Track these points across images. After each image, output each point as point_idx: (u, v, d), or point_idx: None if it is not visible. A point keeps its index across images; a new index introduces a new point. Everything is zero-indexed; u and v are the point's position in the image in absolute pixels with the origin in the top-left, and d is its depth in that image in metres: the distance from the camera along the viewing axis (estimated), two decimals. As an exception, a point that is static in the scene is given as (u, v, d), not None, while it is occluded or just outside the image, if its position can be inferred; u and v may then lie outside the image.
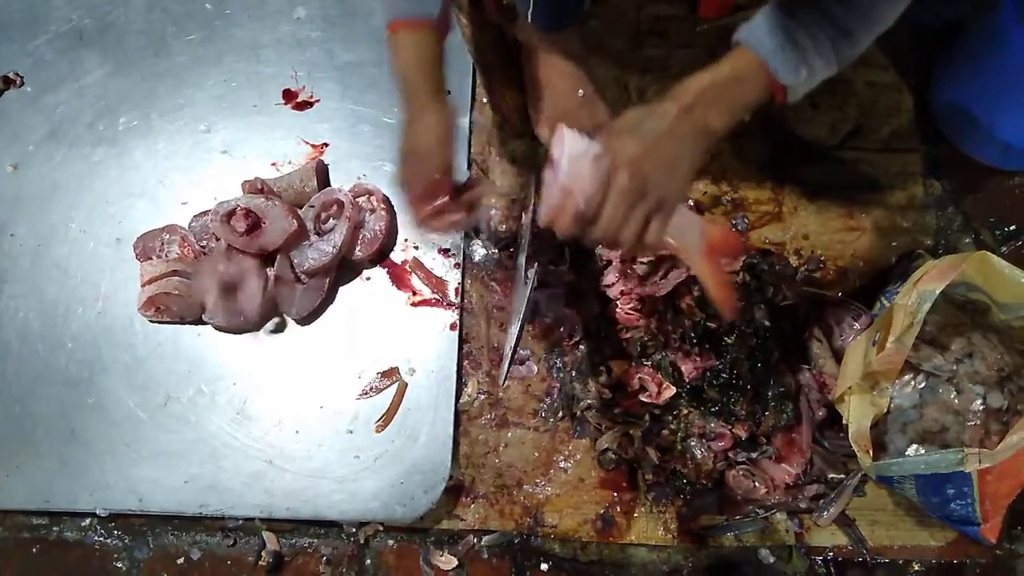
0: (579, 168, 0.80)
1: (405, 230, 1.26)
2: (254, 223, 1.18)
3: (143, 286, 1.20)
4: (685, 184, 0.83)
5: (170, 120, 1.33)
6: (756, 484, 1.11)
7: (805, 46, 0.79)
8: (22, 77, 1.36)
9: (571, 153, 0.81)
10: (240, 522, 1.17)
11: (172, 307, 1.19)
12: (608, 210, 0.80)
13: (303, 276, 1.20)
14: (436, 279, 1.23)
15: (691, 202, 1.24)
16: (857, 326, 1.16)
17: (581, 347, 1.19)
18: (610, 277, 1.19)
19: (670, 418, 1.14)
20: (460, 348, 1.20)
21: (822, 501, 1.13)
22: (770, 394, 1.13)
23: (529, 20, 1.16)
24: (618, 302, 1.17)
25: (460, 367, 1.20)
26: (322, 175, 1.27)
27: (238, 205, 1.18)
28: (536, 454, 1.17)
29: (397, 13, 0.92)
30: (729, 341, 1.14)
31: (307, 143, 1.31)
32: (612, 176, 0.79)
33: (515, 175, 1.28)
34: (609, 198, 0.79)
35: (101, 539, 1.19)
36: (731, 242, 0.94)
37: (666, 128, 0.80)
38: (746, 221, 1.25)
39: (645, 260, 1.19)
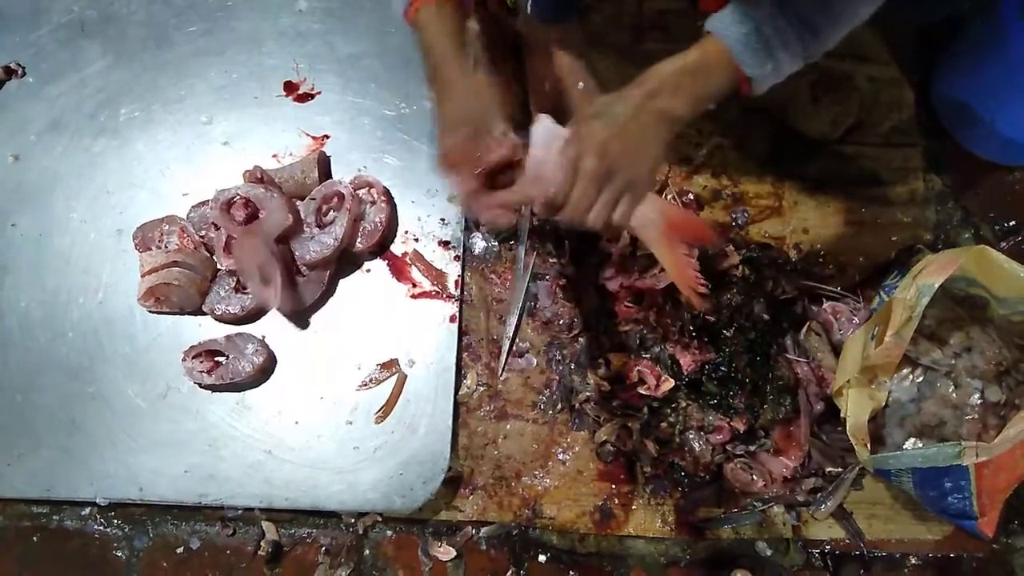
0: (549, 154, 0.84)
1: (405, 222, 1.26)
2: (253, 212, 1.18)
3: (143, 276, 1.20)
4: (651, 168, 0.85)
5: (171, 111, 1.33)
6: (754, 477, 1.12)
7: (771, 39, 0.79)
8: (23, 67, 1.36)
9: (542, 140, 0.85)
10: (239, 512, 1.17)
11: (172, 297, 1.20)
12: (576, 192, 0.83)
13: (304, 268, 1.21)
14: (436, 271, 1.23)
15: (691, 196, 1.25)
16: (856, 320, 1.16)
17: (580, 340, 1.19)
18: (609, 270, 1.19)
19: (668, 411, 1.14)
20: (459, 340, 1.20)
21: (820, 494, 1.13)
22: (768, 387, 1.13)
23: (529, 12, 1.16)
24: (617, 295, 1.18)
25: (459, 359, 1.20)
26: (323, 167, 1.27)
27: (238, 194, 1.19)
28: (535, 446, 1.17)
29: None
30: (728, 334, 1.14)
31: (308, 135, 1.31)
32: (580, 160, 0.82)
33: (515, 168, 1.28)
34: (577, 181, 0.82)
35: (101, 528, 1.19)
36: (691, 224, 0.95)
37: (631, 113, 0.82)
38: (746, 215, 1.25)
39: (644, 253, 1.20)
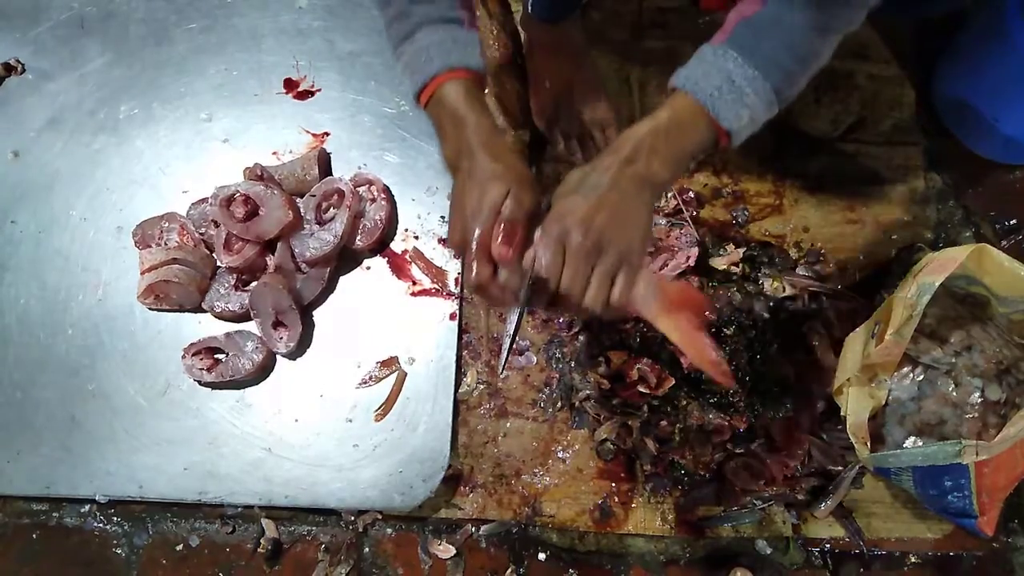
0: (535, 246, 0.79)
1: (405, 220, 1.26)
2: (252, 210, 1.18)
3: (143, 274, 1.20)
4: (642, 237, 0.79)
5: (171, 108, 1.33)
6: (754, 475, 1.12)
7: (743, 88, 0.77)
8: (23, 64, 1.36)
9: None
10: (239, 509, 1.17)
11: (171, 295, 1.19)
12: (568, 273, 0.77)
13: (304, 265, 1.21)
14: (436, 269, 1.23)
15: (691, 194, 1.25)
16: (856, 319, 1.16)
17: (580, 338, 1.19)
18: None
19: (669, 409, 1.14)
20: (459, 338, 1.20)
21: (820, 493, 1.13)
22: (769, 386, 1.13)
23: (529, 11, 1.16)
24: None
25: (459, 357, 1.20)
26: (324, 164, 1.27)
27: (237, 190, 1.19)
28: (535, 444, 1.17)
29: (442, 66, 0.84)
30: (728, 333, 1.14)
31: (308, 132, 1.31)
32: (566, 239, 0.76)
33: (516, 166, 1.28)
34: (567, 261, 0.77)
35: (101, 525, 1.19)
36: (691, 297, 0.88)
37: (609, 182, 0.77)
38: (747, 213, 1.25)
39: (645, 251, 1.19)
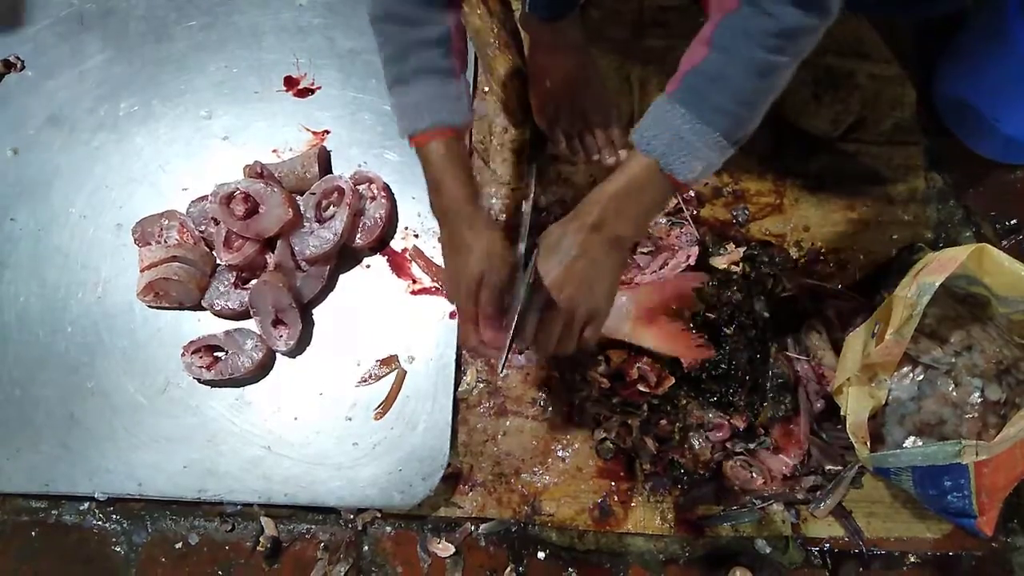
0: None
1: (405, 218, 1.26)
2: (252, 207, 1.18)
3: (142, 271, 1.20)
4: (608, 293, 0.88)
5: (171, 106, 1.33)
6: (753, 475, 1.12)
7: (692, 142, 0.79)
8: (23, 61, 1.36)
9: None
10: (238, 507, 1.17)
11: (171, 292, 1.19)
12: (542, 330, 0.88)
13: (304, 263, 1.21)
14: (436, 267, 1.23)
15: (692, 193, 1.24)
16: (856, 318, 1.16)
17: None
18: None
19: (668, 408, 1.14)
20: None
21: (819, 492, 1.13)
22: (768, 385, 1.13)
23: (528, 10, 1.16)
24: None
25: (459, 355, 1.20)
26: (324, 161, 1.27)
27: (237, 188, 1.18)
28: (534, 443, 1.17)
29: (431, 123, 0.91)
30: (728, 332, 1.14)
31: (308, 130, 1.30)
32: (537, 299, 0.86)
33: (515, 164, 1.28)
34: (541, 323, 0.87)
35: (100, 523, 1.19)
36: (665, 297, 0.96)
37: (578, 250, 0.84)
38: (747, 212, 1.25)
39: (645, 251, 1.19)
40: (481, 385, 1.20)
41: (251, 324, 1.21)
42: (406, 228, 1.26)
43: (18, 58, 1.36)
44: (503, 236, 0.92)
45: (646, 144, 0.81)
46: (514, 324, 0.87)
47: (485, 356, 0.95)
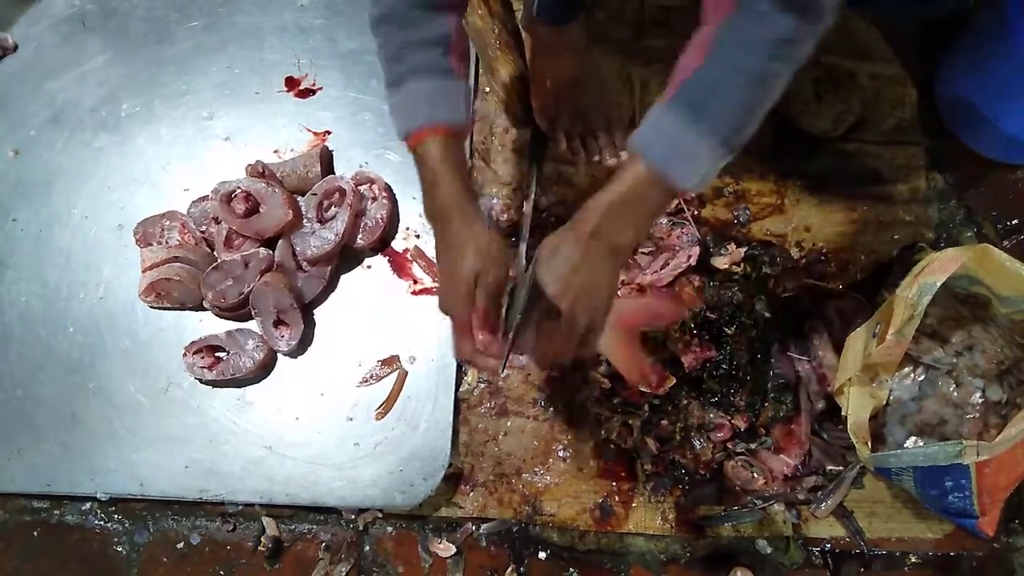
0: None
1: (407, 219, 1.26)
2: (253, 207, 1.18)
3: (144, 272, 1.20)
4: (607, 299, 0.86)
5: (173, 107, 1.33)
6: (754, 475, 1.12)
7: (691, 147, 0.78)
8: (17, 44, 1.36)
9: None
10: (240, 507, 1.17)
11: (173, 293, 1.20)
12: (540, 339, 0.88)
13: (305, 264, 1.21)
14: (437, 268, 1.23)
15: (693, 194, 1.24)
16: (857, 318, 1.16)
17: (581, 337, 1.19)
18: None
19: (669, 408, 1.14)
20: (460, 337, 1.20)
21: (820, 492, 1.13)
22: (769, 385, 1.13)
23: (534, 14, 1.16)
24: (619, 292, 1.17)
25: (460, 356, 1.20)
26: (326, 162, 1.27)
27: (238, 187, 1.19)
28: (535, 443, 1.17)
29: (427, 119, 0.88)
30: (729, 332, 1.14)
31: (309, 131, 1.30)
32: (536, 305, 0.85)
33: (516, 164, 1.28)
34: (538, 332, 0.87)
35: (101, 523, 1.19)
36: (641, 314, 0.97)
37: (578, 258, 0.83)
38: (748, 212, 1.25)
39: (646, 251, 1.19)
40: (482, 385, 1.20)
41: (252, 324, 1.21)
42: (407, 229, 1.26)
43: (11, 40, 1.36)
44: (500, 236, 0.91)
45: (644, 151, 0.80)
46: (515, 321, 0.87)
47: (481, 367, 0.92)
